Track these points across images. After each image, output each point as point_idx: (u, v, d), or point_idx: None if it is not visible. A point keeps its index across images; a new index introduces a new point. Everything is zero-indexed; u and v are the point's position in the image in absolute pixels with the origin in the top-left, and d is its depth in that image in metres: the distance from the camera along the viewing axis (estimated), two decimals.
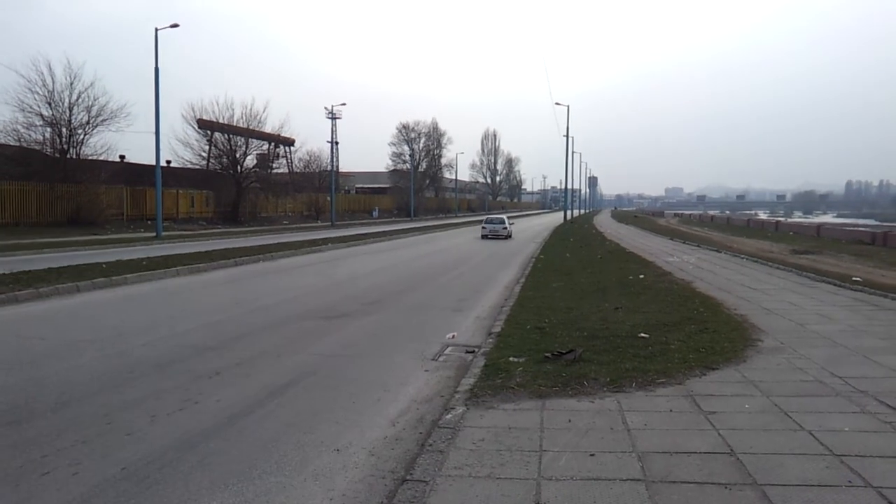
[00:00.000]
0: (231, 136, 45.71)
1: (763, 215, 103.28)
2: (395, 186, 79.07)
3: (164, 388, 6.09)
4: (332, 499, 3.90)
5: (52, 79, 32.09)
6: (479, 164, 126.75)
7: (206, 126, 46.07)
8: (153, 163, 31.24)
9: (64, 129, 32.82)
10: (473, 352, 7.60)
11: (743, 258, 19.62)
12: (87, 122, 33.44)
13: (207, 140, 46.52)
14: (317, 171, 64.80)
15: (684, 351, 7.01)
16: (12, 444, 4.66)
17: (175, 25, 29.35)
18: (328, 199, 54.74)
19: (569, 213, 69.21)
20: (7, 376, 6.46)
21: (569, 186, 71.77)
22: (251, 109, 46.40)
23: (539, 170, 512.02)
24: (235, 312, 10.46)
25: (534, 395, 5.51)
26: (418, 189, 79.24)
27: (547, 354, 6.72)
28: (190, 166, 45.63)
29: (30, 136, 32.10)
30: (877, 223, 63.28)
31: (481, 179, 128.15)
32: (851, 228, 36.33)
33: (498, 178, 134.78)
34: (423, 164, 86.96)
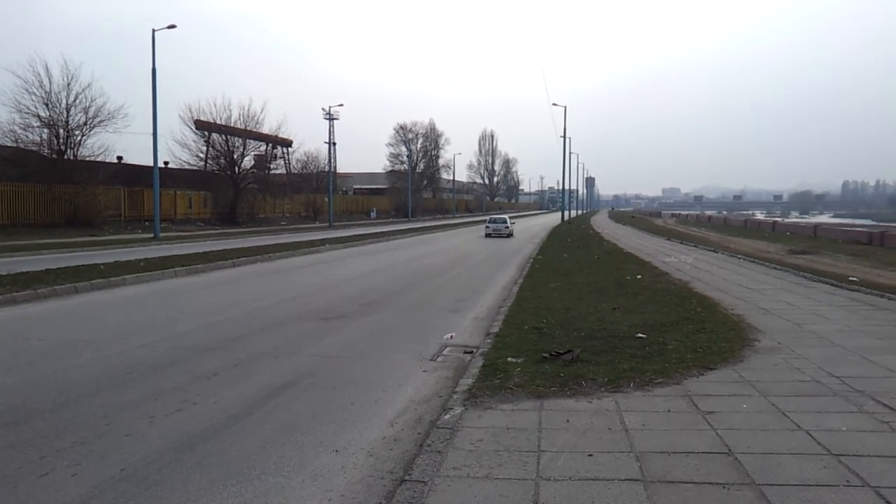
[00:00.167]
0: (228, 136, 45.68)
1: (760, 215, 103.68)
2: (393, 187, 79.12)
3: (163, 389, 6.09)
4: (331, 499, 3.90)
5: (50, 79, 32.13)
6: (476, 164, 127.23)
7: (203, 127, 46.06)
8: (151, 164, 31.17)
9: (61, 130, 32.79)
10: (472, 352, 7.60)
11: (740, 258, 19.68)
12: (85, 123, 33.45)
13: (205, 141, 46.51)
14: (314, 171, 64.88)
15: (682, 351, 7.03)
16: (10, 445, 4.65)
17: (172, 26, 29.30)
18: (326, 199, 54.76)
19: (566, 213, 69.22)
20: (5, 377, 6.45)
21: (566, 187, 71.80)
22: (248, 110, 46.59)
23: (536, 170, 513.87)
24: (234, 313, 10.45)
25: (532, 396, 5.52)
26: (416, 190, 79.31)
27: (545, 355, 6.73)
28: (187, 167, 45.62)
29: (27, 137, 32.10)
30: (873, 223, 63.50)
31: (479, 180, 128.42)
32: (848, 228, 36.47)
33: (495, 179, 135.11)
34: (421, 165, 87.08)
